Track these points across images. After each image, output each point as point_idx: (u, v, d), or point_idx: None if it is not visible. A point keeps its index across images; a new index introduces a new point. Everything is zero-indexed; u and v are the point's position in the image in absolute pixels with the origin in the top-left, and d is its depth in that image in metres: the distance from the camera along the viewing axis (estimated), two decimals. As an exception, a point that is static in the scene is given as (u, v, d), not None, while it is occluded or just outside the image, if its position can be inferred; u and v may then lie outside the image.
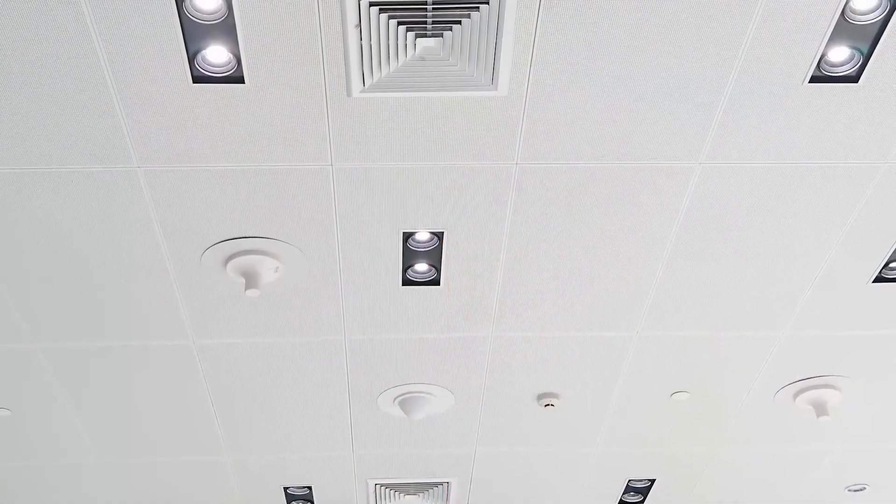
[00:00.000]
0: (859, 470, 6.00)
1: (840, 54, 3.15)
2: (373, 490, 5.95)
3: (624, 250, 4.02)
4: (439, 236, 3.92)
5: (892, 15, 2.99)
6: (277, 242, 3.90)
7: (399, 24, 2.96)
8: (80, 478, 5.73)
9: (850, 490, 6.25)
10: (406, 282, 4.18)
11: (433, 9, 2.93)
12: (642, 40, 3.05)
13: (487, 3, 2.90)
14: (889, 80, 3.24)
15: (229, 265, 3.98)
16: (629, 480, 6.00)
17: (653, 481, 6.02)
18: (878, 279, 4.24)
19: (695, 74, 3.18)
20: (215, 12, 2.92)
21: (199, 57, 3.07)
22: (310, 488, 5.95)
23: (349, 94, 3.21)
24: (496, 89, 3.20)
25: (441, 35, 3.01)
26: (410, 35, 3.00)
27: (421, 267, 4.10)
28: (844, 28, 3.04)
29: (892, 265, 4.16)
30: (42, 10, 2.86)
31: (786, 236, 3.96)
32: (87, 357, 4.60)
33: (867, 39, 3.08)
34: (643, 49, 3.09)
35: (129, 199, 3.64)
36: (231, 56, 3.07)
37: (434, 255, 4.02)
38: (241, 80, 3.15)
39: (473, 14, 2.94)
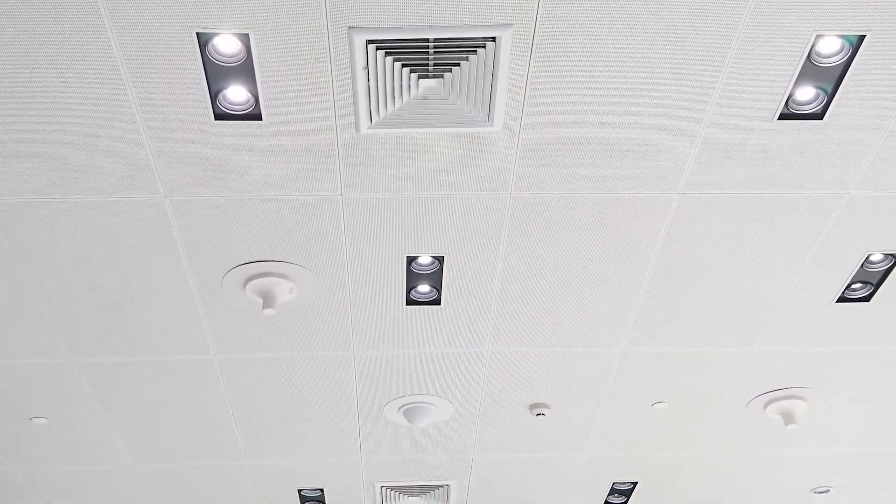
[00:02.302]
0: (824, 473, 5.97)
1: (806, 94, 3.13)
2: (379, 492, 5.93)
3: (609, 273, 3.99)
4: (440, 260, 3.89)
5: (853, 58, 2.99)
6: (292, 266, 3.88)
7: (403, 66, 2.96)
8: (112, 480, 5.70)
9: (815, 492, 6.22)
10: (409, 301, 4.15)
11: (434, 52, 2.93)
12: (626, 80, 3.04)
13: (484, 47, 2.89)
14: (851, 117, 3.23)
15: (248, 286, 3.95)
16: (613, 483, 5.97)
17: (635, 484, 5.99)
18: (842, 299, 4.22)
19: (674, 111, 3.17)
20: (235, 55, 2.91)
21: (220, 96, 3.06)
22: (322, 490, 5.92)
23: (357, 130, 3.19)
24: (492, 125, 3.19)
25: (442, 76, 3.00)
26: (414, 76, 2.99)
27: (423, 288, 4.08)
28: (810, 70, 3.03)
29: (854, 287, 4.13)
30: (77, 55, 2.86)
31: (757, 260, 3.94)
32: (119, 370, 4.57)
33: (831, 80, 3.07)
34: (627, 88, 3.07)
35: (157, 225, 3.62)
36: (250, 95, 3.06)
37: (435, 278, 4.00)
38: (258, 117, 3.13)
39: (471, 57, 2.93)
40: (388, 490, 5.92)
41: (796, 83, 3.07)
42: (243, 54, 2.91)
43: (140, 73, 2.95)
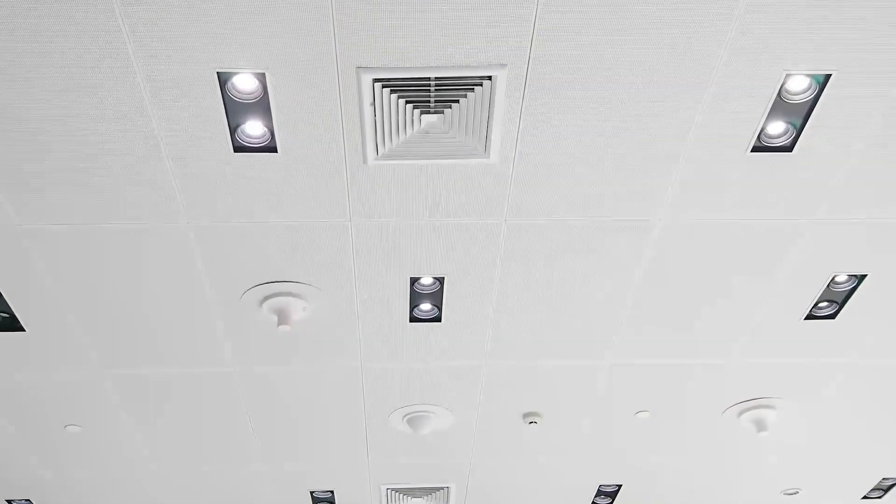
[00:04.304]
0: (793, 476, 5.92)
1: (777, 128, 3.10)
2: (385, 494, 5.87)
3: (596, 291, 3.96)
4: (441, 281, 3.86)
5: (820, 95, 2.96)
6: (305, 286, 3.84)
7: (407, 102, 2.93)
8: (138, 483, 5.65)
9: (785, 493, 6.16)
10: (413, 319, 4.12)
11: (435, 90, 2.91)
12: (611, 115, 3.02)
13: (481, 85, 2.87)
14: (818, 149, 3.20)
15: (265, 305, 3.92)
16: (600, 485, 5.91)
17: (620, 486, 5.94)
18: (809, 317, 4.18)
19: (655, 144, 3.14)
20: (253, 92, 2.89)
21: (239, 130, 3.03)
22: (332, 492, 5.87)
23: (365, 161, 3.17)
24: (488, 157, 3.16)
25: (442, 112, 2.98)
26: (416, 112, 2.97)
27: (425, 306, 4.04)
28: (781, 106, 3.00)
29: (820, 305, 4.09)
30: (108, 94, 2.85)
31: (732, 280, 3.90)
32: (146, 382, 4.53)
33: (800, 115, 3.05)
34: (612, 122, 3.05)
35: (180, 249, 3.59)
36: (266, 130, 3.03)
37: (436, 297, 3.96)
38: (274, 149, 3.11)
39: (469, 94, 2.90)
40: (393, 492, 5.87)
41: (768, 118, 3.04)
42: (260, 92, 2.88)
43: (165, 109, 2.92)
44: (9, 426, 4.90)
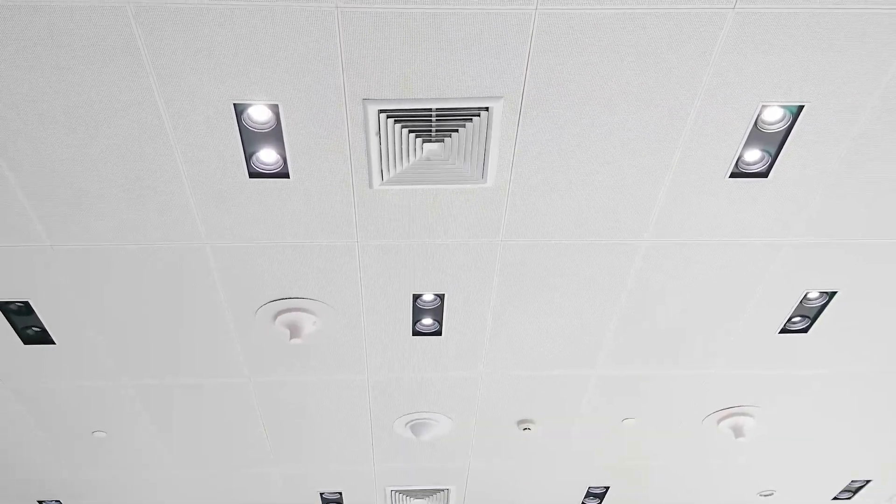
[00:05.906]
0: (768, 479, 5.87)
1: (753, 155, 3.08)
2: (389, 495, 5.82)
3: (585, 308, 3.93)
4: (441, 297, 3.83)
5: (793, 125, 2.95)
6: (316, 302, 3.81)
7: (410, 132, 2.92)
8: (159, 486, 5.59)
9: (761, 495, 6.10)
10: (415, 333, 4.08)
11: (436, 120, 2.89)
12: (601, 144, 3.00)
13: (479, 115, 2.85)
14: (791, 175, 3.18)
15: (278, 319, 3.89)
16: (589, 487, 5.86)
17: (608, 488, 5.88)
18: (783, 331, 4.15)
19: (641, 171, 3.12)
20: (266, 122, 2.88)
21: (253, 157, 3.01)
22: (340, 493, 5.81)
23: (371, 186, 3.14)
24: (485, 182, 3.14)
25: (443, 141, 2.96)
26: (419, 141, 2.95)
27: (427, 321, 4.01)
28: (757, 135, 2.98)
29: (794, 320, 4.06)
30: (133, 125, 2.83)
31: (712, 297, 3.87)
32: (166, 391, 4.49)
33: (775, 144, 3.03)
34: (601, 150, 3.03)
35: (199, 267, 3.56)
36: (279, 157, 3.01)
37: (437, 312, 3.93)
38: (286, 175, 3.09)
39: (468, 124, 2.88)
40: (397, 493, 5.82)
41: (745, 146, 3.03)
42: (273, 122, 2.87)
43: (185, 138, 2.91)
44: (40, 432, 4.86)
